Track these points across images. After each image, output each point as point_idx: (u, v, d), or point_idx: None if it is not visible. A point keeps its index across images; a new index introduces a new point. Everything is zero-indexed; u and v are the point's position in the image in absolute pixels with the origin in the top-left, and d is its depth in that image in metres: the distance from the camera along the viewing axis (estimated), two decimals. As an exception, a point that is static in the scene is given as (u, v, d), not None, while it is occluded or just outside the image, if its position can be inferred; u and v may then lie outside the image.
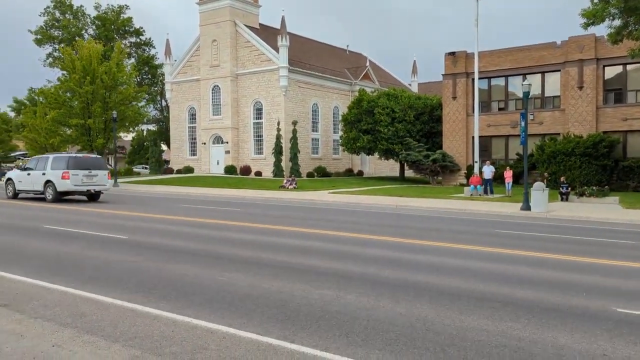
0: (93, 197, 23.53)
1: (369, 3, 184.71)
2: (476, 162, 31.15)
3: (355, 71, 53.90)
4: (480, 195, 27.59)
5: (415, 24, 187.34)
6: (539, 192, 20.85)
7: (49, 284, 7.42)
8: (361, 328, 5.71)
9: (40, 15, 58.58)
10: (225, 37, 46.67)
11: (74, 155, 24.29)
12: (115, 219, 15.93)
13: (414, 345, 5.21)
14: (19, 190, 24.26)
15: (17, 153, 67.12)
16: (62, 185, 22.02)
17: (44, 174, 22.59)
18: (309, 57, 49.95)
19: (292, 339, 5.30)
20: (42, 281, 7.56)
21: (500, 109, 36.27)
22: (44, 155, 24.74)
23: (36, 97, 49.81)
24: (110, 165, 53.15)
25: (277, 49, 44.60)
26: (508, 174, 28.28)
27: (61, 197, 22.66)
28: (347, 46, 61.87)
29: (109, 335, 5.31)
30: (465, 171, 35.94)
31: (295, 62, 46.15)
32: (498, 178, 30.70)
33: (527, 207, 20.77)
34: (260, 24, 49.45)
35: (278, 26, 45.31)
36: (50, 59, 59.06)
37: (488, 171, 28.39)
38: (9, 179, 24.93)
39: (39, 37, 58.48)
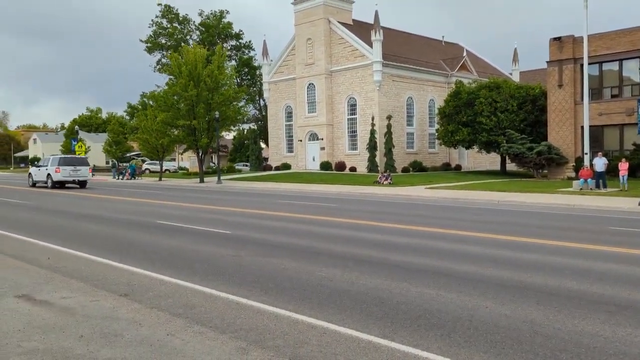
0: (80, 184, 32.30)
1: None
2: (586, 153, 28.88)
3: (451, 62, 52.28)
4: (591, 189, 25.64)
5: (516, 10, 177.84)
6: (661, 185, 18.97)
7: (162, 276, 7.98)
8: (463, 329, 5.54)
9: (149, 26, 63.11)
10: (320, 35, 47.29)
11: (64, 156, 34.68)
12: (219, 215, 16.78)
13: (521, 349, 4.96)
14: (35, 181, 33.26)
15: (132, 153, 72.90)
16: (56, 177, 31.02)
17: (46, 169, 31.91)
18: (403, 50, 49.21)
19: (392, 337, 5.26)
20: (156, 273, 8.15)
21: (613, 96, 33.42)
22: (48, 156, 34.61)
23: (147, 101, 53.64)
24: (214, 164, 55.94)
25: (370, 44, 44.44)
26: (623, 166, 25.95)
27: (57, 185, 31.21)
28: (443, 37, 60.15)
29: (217, 327, 5.60)
30: (574, 164, 33.54)
31: (389, 56, 45.69)
32: (611, 171, 28.33)
33: (646, 202, 19.00)
34: (353, 20, 49.53)
35: (371, 21, 45.10)
36: (159, 66, 63.44)
37: (600, 163, 26.30)
38: (30, 173, 34.91)
39: (149, 45, 63.06)
